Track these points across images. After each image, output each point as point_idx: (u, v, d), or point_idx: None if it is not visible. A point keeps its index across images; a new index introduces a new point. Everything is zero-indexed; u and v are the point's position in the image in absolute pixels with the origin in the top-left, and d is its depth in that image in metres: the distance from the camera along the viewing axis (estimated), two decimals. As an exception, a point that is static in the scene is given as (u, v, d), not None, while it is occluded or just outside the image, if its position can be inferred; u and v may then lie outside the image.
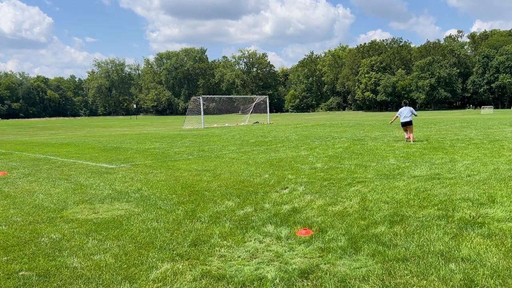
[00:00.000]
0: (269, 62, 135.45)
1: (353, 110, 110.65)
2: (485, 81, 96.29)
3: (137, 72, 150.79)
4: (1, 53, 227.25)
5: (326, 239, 4.08)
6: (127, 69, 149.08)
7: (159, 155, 12.15)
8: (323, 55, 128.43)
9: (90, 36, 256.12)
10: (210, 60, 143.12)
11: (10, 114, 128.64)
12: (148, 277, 3.34)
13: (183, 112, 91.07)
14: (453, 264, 3.40)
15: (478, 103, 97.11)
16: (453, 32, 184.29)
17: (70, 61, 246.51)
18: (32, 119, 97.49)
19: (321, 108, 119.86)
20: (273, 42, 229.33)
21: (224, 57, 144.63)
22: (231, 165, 9.40)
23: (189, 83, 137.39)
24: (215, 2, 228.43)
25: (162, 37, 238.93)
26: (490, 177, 6.93)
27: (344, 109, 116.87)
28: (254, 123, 37.06)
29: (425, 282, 3.11)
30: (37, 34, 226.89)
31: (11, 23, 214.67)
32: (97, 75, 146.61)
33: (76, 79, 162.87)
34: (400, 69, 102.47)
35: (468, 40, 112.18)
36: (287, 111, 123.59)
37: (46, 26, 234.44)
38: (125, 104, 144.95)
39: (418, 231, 4.25)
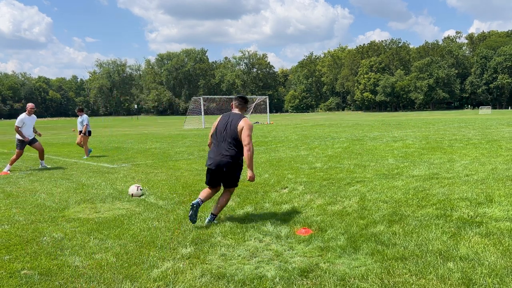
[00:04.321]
0: (269, 62, 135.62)
1: (352, 111, 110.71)
2: (483, 81, 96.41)
3: (138, 72, 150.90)
4: (1, 53, 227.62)
5: (326, 238, 4.11)
6: (128, 69, 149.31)
7: (160, 155, 12.18)
8: (322, 55, 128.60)
9: (90, 36, 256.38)
10: (210, 61, 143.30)
11: (12, 114, 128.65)
12: (149, 276, 3.36)
13: (184, 113, 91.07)
14: (452, 263, 3.43)
15: (476, 104, 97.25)
16: (451, 33, 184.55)
17: (70, 61, 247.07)
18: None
19: (321, 109, 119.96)
20: (272, 42, 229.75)
21: (225, 58, 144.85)
22: (231, 165, 9.41)
23: (189, 84, 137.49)
24: (214, 2, 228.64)
25: (161, 37, 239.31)
26: (488, 177, 6.96)
27: (343, 110, 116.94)
28: (254, 123, 37.06)
29: (423, 281, 3.13)
30: (36, 34, 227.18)
31: (9, 23, 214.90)
32: (99, 75, 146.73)
33: (78, 80, 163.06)
34: (399, 69, 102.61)
35: (466, 41, 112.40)
36: (287, 111, 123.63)
37: (45, 26, 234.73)
38: (126, 104, 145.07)
39: (416, 230, 4.28)
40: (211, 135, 5.02)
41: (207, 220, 4.78)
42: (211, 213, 4.85)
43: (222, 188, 5.05)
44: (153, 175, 8.39)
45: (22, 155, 10.17)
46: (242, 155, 4.81)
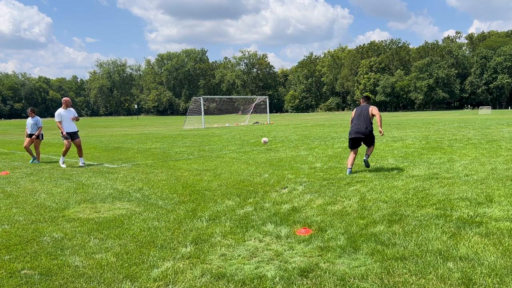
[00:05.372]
0: (269, 63, 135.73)
1: (352, 111, 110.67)
2: (483, 81, 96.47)
3: (138, 72, 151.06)
4: (1, 53, 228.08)
5: (326, 238, 4.11)
6: (128, 69, 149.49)
7: (160, 155, 12.18)
8: (322, 56, 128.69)
9: (89, 36, 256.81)
10: (210, 61, 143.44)
11: (13, 114, 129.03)
12: (149, 275, 3.36)
13: (184, 113, 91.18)
14: (451, 263, 3.43)
15: (476, 104, 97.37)
16: (451, 33, 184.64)
17: (70, 61, 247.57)
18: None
19: (321, 109, 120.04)
20: (272, 42, 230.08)
21: (225, 58, 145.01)
22: (231, 165, 9.43)
23: (189, 84, 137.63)
24: (214, 2, 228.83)
25: (161, 37, 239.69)
26: (488, 177, 6.97)
27: (343, 110, 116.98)
28: (254, 123, 37.11)
29: (423, 280, 3.14)
30: (36, 34, 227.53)
31: (9, 23, 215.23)
32: (99, 75, 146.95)
33: (78, 80, 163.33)
34: (398, 69, 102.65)
35: (466, 41, 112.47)
36: (287, 111, 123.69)
37: (45, 26, 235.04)
38: (127, 104, 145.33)
39: (416, 230, 4.29)
40: (352, 120, 8.09)
41: (365, 157, 7.99)
42: (366, 154, 8.00)
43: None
44: (153, 175, 8.39)
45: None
46: (372, 128, 7.89)
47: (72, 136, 10.19)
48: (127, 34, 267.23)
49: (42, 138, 11.48)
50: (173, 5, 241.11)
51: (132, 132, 26.38)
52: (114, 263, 3.63)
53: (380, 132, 7.91)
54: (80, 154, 10.26)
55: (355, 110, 8.15)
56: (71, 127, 10.19)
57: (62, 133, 10.06)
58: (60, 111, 10.05)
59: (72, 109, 10.32)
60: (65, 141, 10.07)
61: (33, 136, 11.11)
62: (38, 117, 11.47)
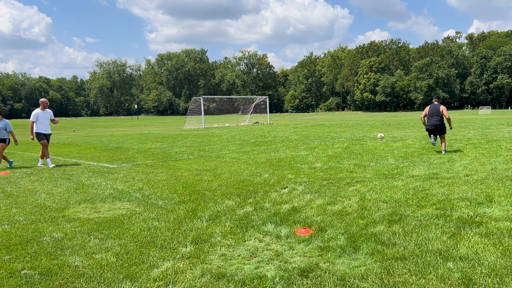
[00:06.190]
0: (269, 63, 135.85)
1: (352, 111, 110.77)
2: (483, 81, 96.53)
3: (138, 72, 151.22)
4: (1, 53, 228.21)
5: (326, 238, 4.11)
6: (128, 69, 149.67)
7: (160, 155, 12.18)
8: (322, 56, 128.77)
9: (89, 36, 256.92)
10: (210, 61, 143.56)
11: (13, 114, 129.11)
12: (149, 275, 3.37)
13: (184, 113, 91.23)
14: (451, 263, 3.43)
15: (476, 104, 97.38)
16: (451, 33, 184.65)
17: (70, 61, 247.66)
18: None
19: (321, 109, 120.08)
20: (272, 42, 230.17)
21: (225, 58, 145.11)
22: (231, 165, 9.44)
23: (189, 84, 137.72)
24: (214, 2, 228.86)
25: (161, 37, 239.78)
26: (488, 177, 6.97)
27: (343, 110, 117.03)
28: (254, 123, 37.12)
29: (423, 280, 3.14)
30: (36, 34, 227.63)
31: (9, 23, 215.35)
32: (99, 75, 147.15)
33: (78, 80, 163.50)
34: (398, 69, 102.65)
35: (466, 41, 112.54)
36: (287, 111, 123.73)
37: (45, 26, 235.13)
38: (127, 104, 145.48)
39: (416, 230, 4.29)
40: (424, 116, 10.54)
41: (443, 152, 10.25)
42: (443, 150, 10.32)
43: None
44: (153, 175, 8.39)
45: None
46: (443, 121, 10.20)
47: (47, 138, 10.14)
48: (127, 34, 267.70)
49: (9, 143, 10.22)
50: (173, 5, 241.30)
51: (132, 132, 26.38)
52: (114, 263, 3.63)
53: (450, 127, 10.71)
54: (43, 155, 10.11)
55: (428, 107, 10.46)
56: (46, 128, 10.13)
57: (31, 134, 10.00)
58: (37, 111, 9.96)
59: (49, 110, 10.27)
60: (41, 142, 10.03)
61: (7, 142, 10.11)
62: (7, 120, 10.21)
